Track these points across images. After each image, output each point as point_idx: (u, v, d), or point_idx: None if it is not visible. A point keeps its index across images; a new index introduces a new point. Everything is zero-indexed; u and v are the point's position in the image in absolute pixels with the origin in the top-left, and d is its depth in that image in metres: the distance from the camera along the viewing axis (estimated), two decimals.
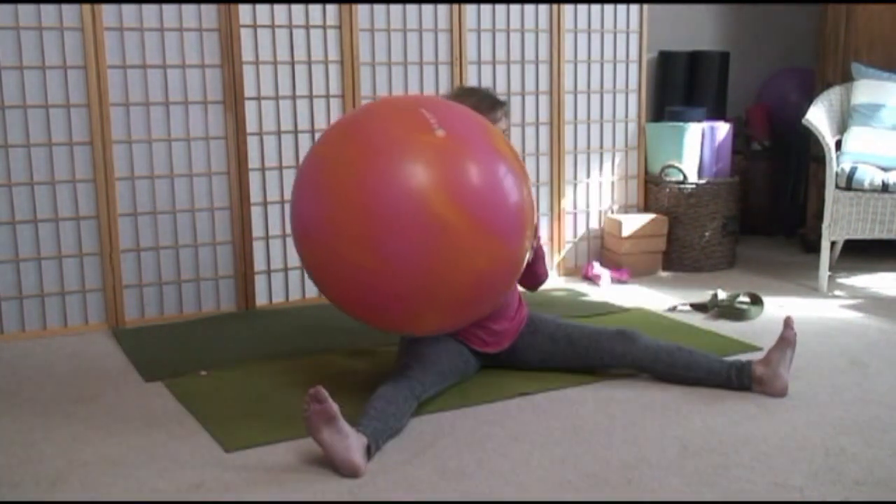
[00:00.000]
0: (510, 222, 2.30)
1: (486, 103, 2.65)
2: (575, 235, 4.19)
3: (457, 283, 2.24)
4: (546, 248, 3.95)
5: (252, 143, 3.48)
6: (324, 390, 2.09)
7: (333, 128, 2.48)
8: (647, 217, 4.13)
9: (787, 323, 2.60)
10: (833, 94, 4.00)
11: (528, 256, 2.44)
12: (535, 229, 2.52)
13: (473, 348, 2.66)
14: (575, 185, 4.15)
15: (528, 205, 2.36)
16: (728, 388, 2.60)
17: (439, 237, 2.19)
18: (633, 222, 4.08)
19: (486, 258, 2.25)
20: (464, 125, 2.34)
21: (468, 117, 2.39)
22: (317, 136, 3.59)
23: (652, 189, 4.25)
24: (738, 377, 2.59)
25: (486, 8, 3.84)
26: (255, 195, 3.51)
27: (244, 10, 3.41)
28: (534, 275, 2.70)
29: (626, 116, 4.24)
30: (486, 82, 3.85)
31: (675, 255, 4.19)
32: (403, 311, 2.31)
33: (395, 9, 3.66)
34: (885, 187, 3.59)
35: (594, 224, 4.22)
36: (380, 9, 3.64)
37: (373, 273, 2.23)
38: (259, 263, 3.56)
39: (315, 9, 3.53)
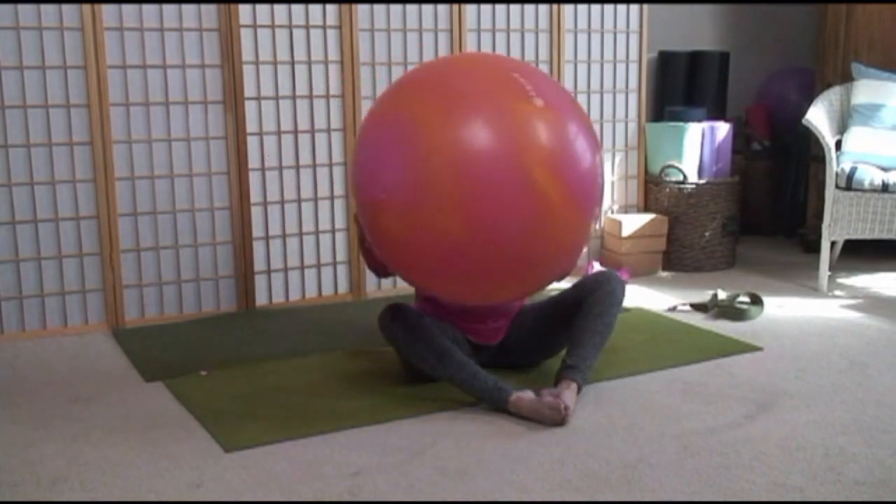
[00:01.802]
0: (595, 197, 2.27)
1: None
2: None
3: (547, 256, 2.20)
4: None
5: (252, 143, 3.48)
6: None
7: (410, 84, 2.29)
8: (647, 217, 4.13)
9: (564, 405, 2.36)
10: (833, 94, 3.99)
11: None
12: None
13: (471, 340, 2.69)
14: None
15: (602, 179, 2.37)
16: (559, 371, 2.50)
17: (539, 210, 2.13)
18: (633, 222, 4.08)
19: (576, 232, 2.23)
20: (555, 95, 2.24)
21: (556, 87, 2.31)
22: (317, 136, 3.59)
23: (652, 189, 4.25)
24: (565, 369, 2.49)
25: (486, 8, 3.84)
26: (255, 195, 3.51)
27: (244, 10, 3.41)
28: None
29: (626, 116, 4.24)
30: None
31: (675, 255, 4.19)
32: (486, 281, 2.24)
33: (395, 9, 3.66)
34: (885, 187, 3.59)
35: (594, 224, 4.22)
36: (380, 9, 3.64)
37: (462, 243, 2.14)
38: (259, 263, 3.56)
39: (315, 9, 3.53)
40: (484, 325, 2.69)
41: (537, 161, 2.13)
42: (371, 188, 2.25)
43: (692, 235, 4.15)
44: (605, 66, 4.16)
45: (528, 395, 2.41)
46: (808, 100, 4.11)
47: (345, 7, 3.56)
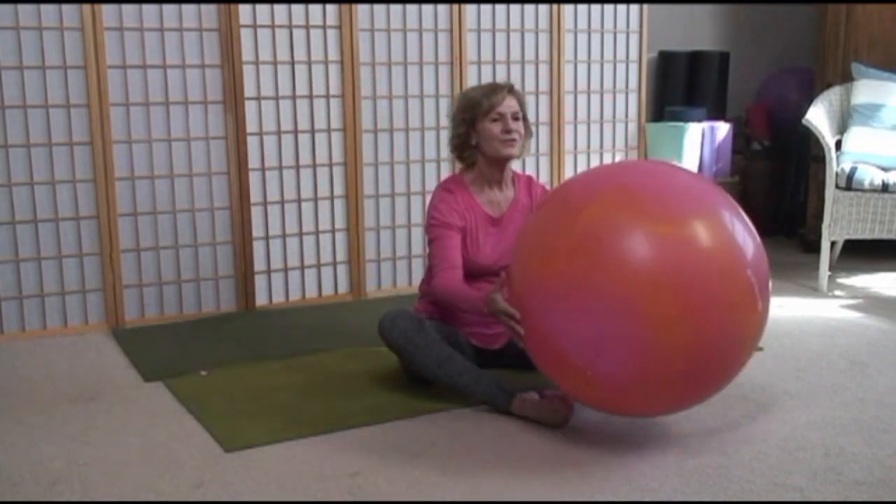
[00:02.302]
0: None
1: (487, 89, 2.68)
2: None
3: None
4: None
5: (252, 143, 3.48)
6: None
7: (637, 258, 2.04)
8: None
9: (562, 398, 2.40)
10: (833, 94, 3.99)
11: None
12: None
13: (474, 343, 2.69)
14: None
15: None
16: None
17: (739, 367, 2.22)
18: None
19: None
20: (764, 274, 2.20)
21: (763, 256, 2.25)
22: (317, 136, 3.59)
23: None
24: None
25: (486, 8, 3.84)
26: (255, 195, 3.51)
27: (244, 10, 3.40)
28: None
29: (626, 116, 4.24)
30: None
31: None
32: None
33: (395, 9, 3.66)
34: (885, 187, 3.59)
35: None
36: (380, 9, 3.64)
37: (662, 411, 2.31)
38: (259, 263, 3.56)
39: (315, 9, 3.53)
40: (487, 329, 2.68)
41: (749, 350, 2.21)
42: (573, 352, 2.12)
43: None
44: (605, 66, 4.16)
45: (532, 396, 2.41)
46: (808, 100, 4.10)
47: (345, 7, 3.56)
